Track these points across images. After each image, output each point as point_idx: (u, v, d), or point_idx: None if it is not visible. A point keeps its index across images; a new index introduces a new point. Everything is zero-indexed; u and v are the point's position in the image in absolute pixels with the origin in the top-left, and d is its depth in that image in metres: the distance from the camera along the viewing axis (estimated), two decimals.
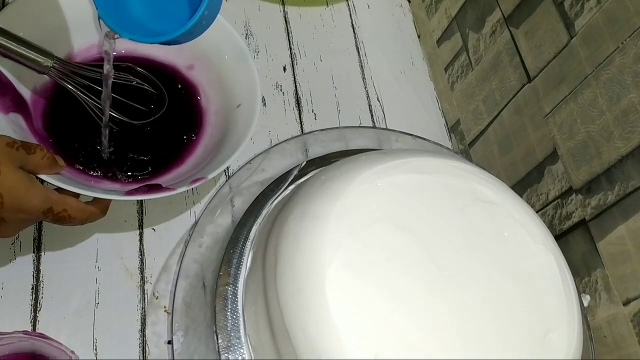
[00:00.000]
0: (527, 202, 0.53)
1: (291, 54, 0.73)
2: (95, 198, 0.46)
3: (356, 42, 0.77)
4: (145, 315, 0.53)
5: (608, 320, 0.52)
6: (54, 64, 0.48)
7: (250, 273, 0.48)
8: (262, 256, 0.46)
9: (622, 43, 0.50)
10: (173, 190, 0.48)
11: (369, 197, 0.44)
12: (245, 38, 0.71)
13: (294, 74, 0.71)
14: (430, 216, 0.45)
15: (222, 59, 0.58)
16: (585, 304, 0.54)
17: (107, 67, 0.48)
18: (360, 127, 0.69)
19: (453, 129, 0.74)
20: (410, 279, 0.42)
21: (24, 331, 0.45)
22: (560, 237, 0.57)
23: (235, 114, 0.56)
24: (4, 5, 0.60)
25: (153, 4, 0.46)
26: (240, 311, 0.46)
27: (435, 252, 0.43)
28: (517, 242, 0.47)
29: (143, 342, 0.51)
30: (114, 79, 0.54)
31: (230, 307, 0.46)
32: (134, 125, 0.54)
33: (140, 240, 0.56)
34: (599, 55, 0.52)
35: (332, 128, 0.63)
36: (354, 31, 0.78)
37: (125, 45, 0.58)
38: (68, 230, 0.48)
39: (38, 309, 0.51)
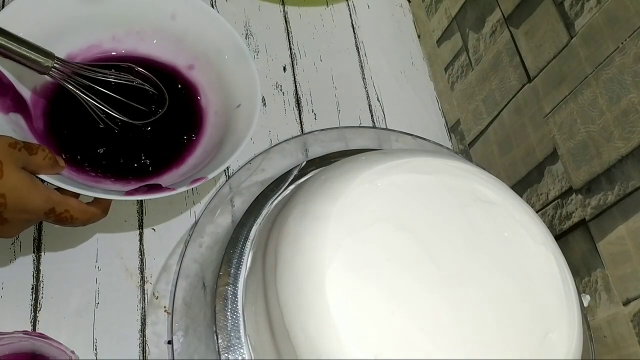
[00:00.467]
0: (527, 202, 0.53)
1: (291, 54, 0.73)
2: (95, 198, 0.46)
3: (356, 42, 0.77)
4: (145, 315, 0.53)
5: (608, 320, 0.52)
6: (55, 64, 0.48)
7: (250, 273, 0.48)
8: (262, 256, 0.46)
9: (622, 43, 0.50)
10: (173, 190, 0.48)
11: (369, 197, 0.44)
12: (245, 38, 0.71)
13: (294, 74, 0.71)
14: (430, 216, 0.45)
15: (222, 59, 0.58)
16: (585, 304, 0.54)
17: None
18: (360, 127, 0.69)
19: (453, 129, 0.74)
20: (410, 279, 0.42)
21: (24, 331, 0.45)
22: (560, 237, 0.57)
23: (235, 114, 0.56)
24: (4, 5, 0.60)
25: None
26: (240, 311, 0.46)
27: (435, 252, 0.43)
28: (517, 242, 0.47)
29: (143, 342, 0.51)
30: (115, 79, 0.54)
31: (230, 307, 0.46)
32: (134, 125, 0.54)
33: (140, 240, 0.56)
34: (599, 55, 0.52)
35: (332, 128, 0.63)
36: (354, 31, 0.78)
37: (125, 46, 0.58)
38: (68, 231, 0.48)
39: (38, 309, 0.51)
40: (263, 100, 0.68)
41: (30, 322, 0.50)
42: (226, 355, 0.44)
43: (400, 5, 0.83)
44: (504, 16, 0.64)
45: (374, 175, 0.45)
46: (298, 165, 0.57)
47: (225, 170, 0.60)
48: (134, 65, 0.56)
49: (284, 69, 0.71)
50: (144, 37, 0.58)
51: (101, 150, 0.53)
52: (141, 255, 0.55)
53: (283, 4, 0.76)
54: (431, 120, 0.75)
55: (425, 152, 0.54)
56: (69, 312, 0.51)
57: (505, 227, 0.47)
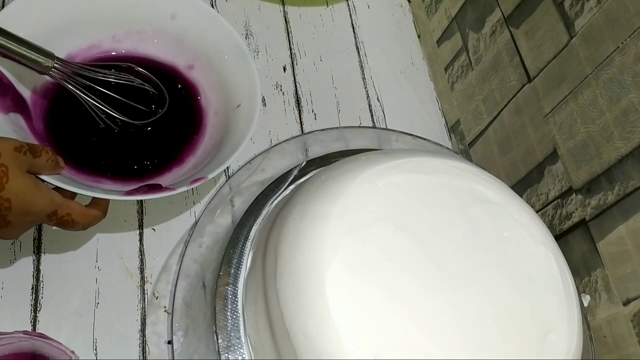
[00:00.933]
0: (527, 202, 0.53)
1: (291, 54, 0.73)
2: (93, 200, 0.46)
3: (356, 42, 0.77)
4: (145, 315, 0.53)
5: (608, 320, 0.52)
6: (55, 64, 0.48)
7: (250, 273, 0.48)
8: (262, 256, 0.46)
9: (622, 43, 0.50)
10: (173, 190, 0.48)
11: (369, 197, 0.44)
12: (245, 38, 0.71)
13: (294, 74, 0.71)
14: (430, 216, 0.45)
15: (222, 59, 0.58)
16: (585, 304, 0.54)
17: None
18: (360, 127, 0.69)
19: (453, 129, 0.74)
20: (410, 279, 0.42)
21: (24, 331, 0.45)
22: (560, 237, 0.57)
23: (235, 114, 0.56)
24: (4, 5, 0.60)
25: None
26: (240, 311, 0.46)
27: (435, 252, 0.43)
28: (517, 242, 0.47)
29: (143, 342, 0.51)
30: (115, 79, 0.54)
31: (230, 307, 0.46)
32: (134, 125, 0.54)
33: (140, 240, 0.56)
34: (599, 55, 0.52)
35: (332, 128, 0.63)
36: (354, 31, 0.78)
37: (125, 46, 0.58)
38: (68, 231, 0.48)
39: (38, 309, 0.51)
40: (263, 100, 0.68)
41: (30, 322, 0.50)
42: (226, 355, 0.44)
43: (400, 5, 0.83)
44: (504, 16, 0.64)
45: (374, 175, 0.45)
46: (298, 165, 0.57)
47: (225, 170, 0.60)
48: (134, 65, 0.56)
49: (284, 69, 0.71)
50: (144, 37, 0.58)
51: (101, 150, 0.53)
52: (141, 255, 0.55)
53: (283, 4, 0.76)
54: (431, 120, 0.75)
55: (425, 152, 0.54)
56: (69, 312, 0.51)
57: (505, 227, 0.47)
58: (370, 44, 0.77)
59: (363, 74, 0.75)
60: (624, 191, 0.50)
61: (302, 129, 0.67)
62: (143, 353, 0.51)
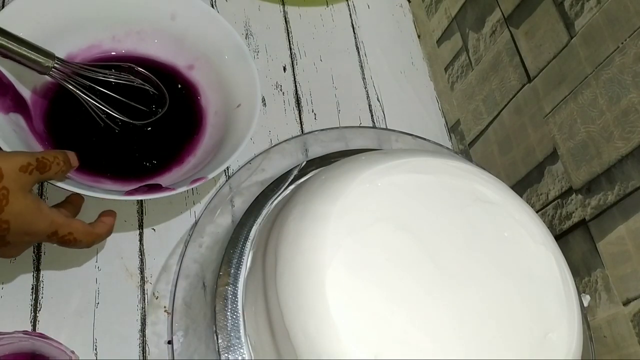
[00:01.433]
0: (527, 202, 0.53)
1: (291, 54, 0.73)
2: (100, 217, 0.46)
3: (356, 42, 0.77)
4: (145, 315, 0.53)
5: (608, 320, 0.52)
6: (55, 64, 0.48)
7: (250, 273, 0.48)
8: (262, 256, 0.46)
9: (622, 43, 0.50)
10: (173, 190, 0.48)
11: (369, 197, 0.44)
12: (245, 38, 0.71)
13: (294, 74, 0.71)
14: (430, 216, 0.45)
15: (222, 59, 0.58)
16: (585, 304, 0.54)
17: None
18: (360, 127, 0.69)
19: (453, 129, 0.74)
20: (410, 279, 0.42)
21: (24, 331, 0.44)
22: (560, 237, 0.57)
23: (235, 114, 0.56)
24: (4, 5, 0.60)
25: None
26: (240, 311, 0.46)
27: (435, 252, 0.43)
28: (517, 242, 0.47)
29: (143, 342, 0.51)
30: (115, 79, 0.54)
31: (230, 307, 0.46)
32: (134, 125, 0.54)
33: (140, 240, 0.56)
34: (599, 55, 0.52)
35: (332, 128, 0.63)
36: (354, 31, 0.78)
37: (125, 46, 0.58)
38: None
39: (38, 309, 0.51)
40: (263, 100, 0.68)
41: (30, 322, 0.50)
42: (226, 355, 0.44)
43: (400, 5, 0.83)
44: (504, 16, 0.64)
45: (374, 175, 0.45)
46: (298, 165, 0.57)
47: (225, 170, 0.60)
48: (134, 65, 0.56)
49: (284, 69, 0.71)
50: (144, 37, 0.58)
51: (101, 151, 0.53)
52: (141, 255, 0.55)
53: (283, 4, 0.76)
54: (431, 120, 0.75)
55: (425, 152, 0.54)
56: (69, 312, 0.51)
57: (505, 227, 0.47)
58: (370, 44, 0.77)
59: (363, 74, 0.75)
60: (624, 191, 0.50)
61: (302, 129, 0.67)
62: (143, 353, 0.51)
